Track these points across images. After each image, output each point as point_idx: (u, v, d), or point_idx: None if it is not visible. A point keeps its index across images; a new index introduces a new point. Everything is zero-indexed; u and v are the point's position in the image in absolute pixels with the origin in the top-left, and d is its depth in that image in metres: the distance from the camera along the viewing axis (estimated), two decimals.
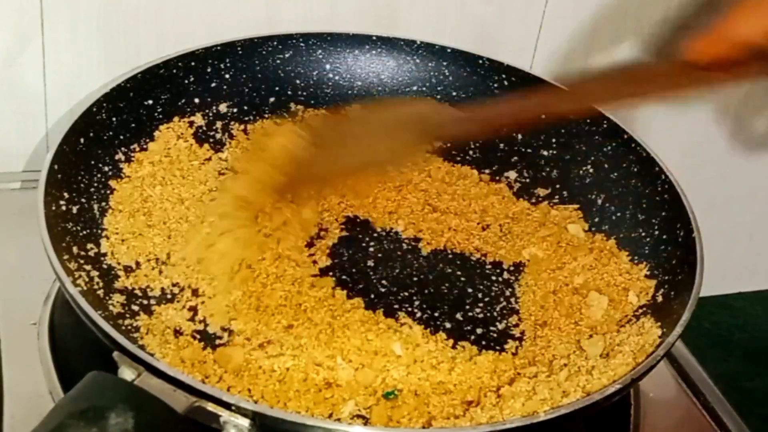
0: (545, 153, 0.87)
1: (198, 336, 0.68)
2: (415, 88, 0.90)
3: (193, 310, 0.70)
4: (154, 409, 0.55)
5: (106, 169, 0.77)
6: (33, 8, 0.82)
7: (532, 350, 0.71)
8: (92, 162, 0.76)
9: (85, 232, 0.72)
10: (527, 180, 0.85)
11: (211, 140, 0.84)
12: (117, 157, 0.78)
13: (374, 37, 0.90)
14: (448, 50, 0.90)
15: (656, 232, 0.77)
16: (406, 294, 0.75)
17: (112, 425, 0.53)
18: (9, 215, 0.83)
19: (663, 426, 0.75)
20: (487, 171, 0.86)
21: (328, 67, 0.90)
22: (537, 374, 0.68)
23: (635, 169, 0.81)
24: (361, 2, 0.91)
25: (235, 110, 0.86)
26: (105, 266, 0.71)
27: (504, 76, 0.89)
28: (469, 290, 0.76)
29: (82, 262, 0.69)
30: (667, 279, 0.73)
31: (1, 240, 0.81)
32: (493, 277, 0.77)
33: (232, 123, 0.86)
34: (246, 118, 0.86)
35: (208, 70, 0.85)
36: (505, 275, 0.77)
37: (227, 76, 0.86)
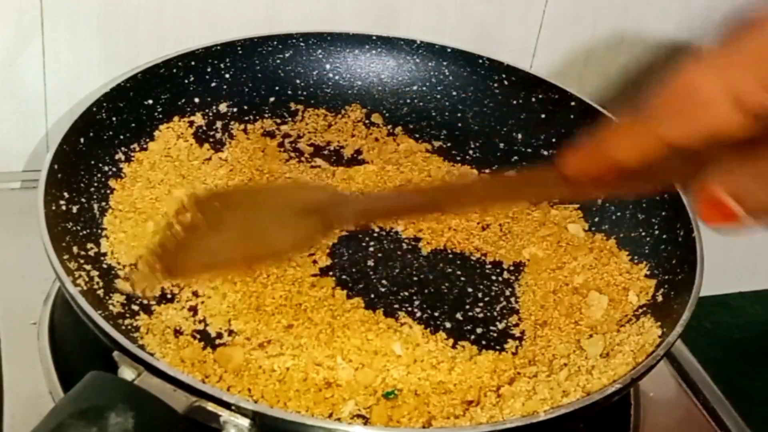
0: (545, 152, 0.87)
1: (198, 336, 0.68)
2: (415, 87, 0.90)
3: (193, 310, 0.70)
4: (154, 408, 0.55)
5: (106, 168, 0.77)
6: (33, 8, 0.82)
7: (532, 350, 0.71)
8: (92, 162, 0.76)
9: (85, 232, 0.72)
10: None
11: (211, 140, 0.84)
12: (117, 157, 0.78)
13: (374, 37, 0.90)
14: (448, 50, 0.90)
15: (656, 232, 0.77)
16: (406, 294, 0.75)
17: (112, 425, 0.53)
18: (9, 215, 0.83)
19: (663, 426, 0.75)
20: (487, 171, 0.86)
21: (328, 66, 0.90)
22: (537, 374, 0.68)
23: None
24: (361, 2, 0.91)
25: (235, 110, 0.86)
26: (105, 266, 0.71)
27: (504, 75, 0.89)
28: (469, 290, 0.76)
29: (82, 261, 0.69)
30: (667, 279, 0.73)
31: (1, 240, 0.81)
32: (493, 277, 0.77)
33: (232, 123, 0.86)
34: (246, 118, 0.86)
35: (208, 69, 0.85)
36: (505, 275, 0.77)
37: (227, 75, 0.86)
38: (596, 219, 0.81)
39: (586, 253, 0.78)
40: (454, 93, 0.90)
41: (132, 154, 0.80)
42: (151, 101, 0.82)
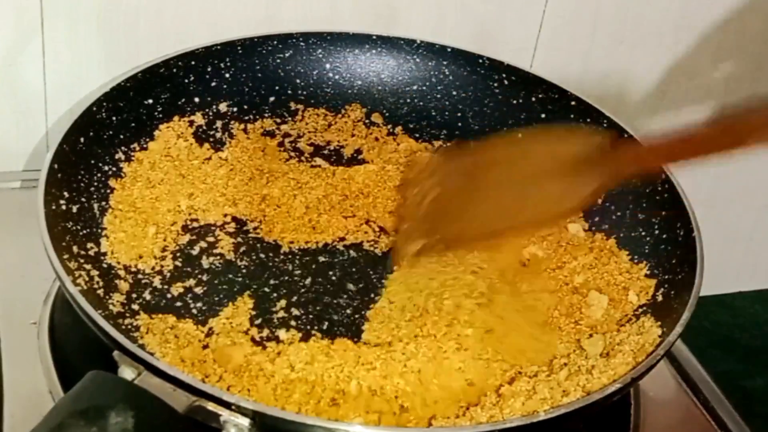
0: None
1: (198, 335, 0.68)
2: (415, 87, 0.90)
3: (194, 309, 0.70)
4: (154, 408, 0.55)
5: (106, 168, 0.77)
6: (33, 7, 0.82)
7: None
8: (92, 161, 0.76)
9: (85, 232, 0.72)
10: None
11: (211, 139, 0.84)
12: (117, 157, 0.78)
13: (374, 37, 0.90)
14: (448, 49, 0.90)
15: (656, 232, 0.77)
16: None
17: (112, 424, 0.53)
18: (9, 214, 0.83)
19: (663, 425, 0.75)
20: None
21: (328, 66, 0.90)
22: (537, 373, 0.68)
23: None
24: (361, 2, 0.91)
25: (235, 109, 0.86)
26: (105, 265, 0.71)
27: (504, 75, 0.89)
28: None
29: (82, 261, 0.69)
30: (667, 278, 0.73)
31: (1, 239, 0.81)
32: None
33: (232, 122, 0.86)
34: (246, 118, 0.86)
35: (208, 69, 0.85)
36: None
37: (227, 75, 0.86)
38: (596, 219, 0.81)
39: (586, 253, 0.78)
40: (454, 93, 0.90)
41: (132, 153, 0.80)
42: (151, 101, 0.82)
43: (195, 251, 0.75)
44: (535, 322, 0.72)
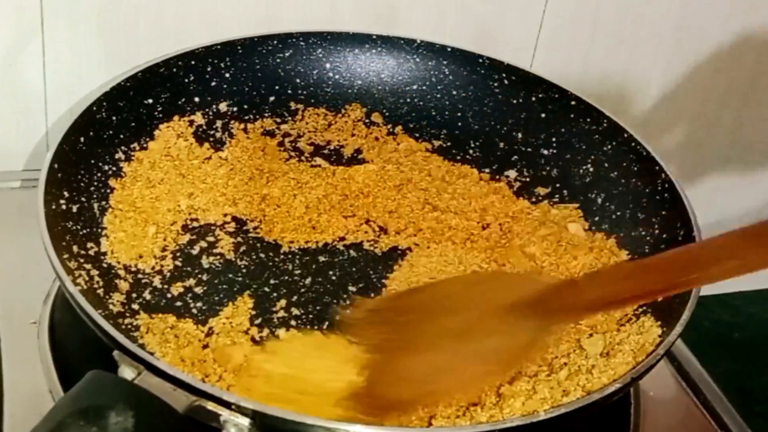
0: (545, 152, 0.87)
1: (198, 335, 0.68)
2: (415, 87, 0.90)
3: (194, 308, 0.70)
4: (154, 408, 0.55)
5: (106, 168, 0.77)
6: (33, 7, 0.82)
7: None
8: (92, 161, 0.76)
9: (85, 231, 0.72)
10: (527, 179, 0.85)
11: (211, 139, 0.84)
12: (117, 156, 0.78)
13: (374, 36, 0.90)
14: (448, 49, 0.90)
15: (656, 231, 0.77)
16: None
17: (112, 424, 0.53)
18: (9, 214, 0.83)
19: (663, 425, 0.75)
20: (487, 170, 0.86)
21: (328, 66, 0.90)
22: (537, 373, 0.67)
23: (635, 168, 0.81)
24: (361, 1, 0.91)
25: (235, 109, 0.86)
26: (105, 265, 0.71)
27: (504, 75, 0.89)
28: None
29: (82, 261, 0.69)
30: None
31: (1, 239, 0.81)
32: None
33: (232, 122, 0.86)
34: (246, 117, 0.86)
35: (208, 69, 0.85)
36: None
37: (227, 75, 0.86)
38: (596, 218, 0.81)
39: (586, 253, 0.78)
40: (454, 92, 0.90)
41: (132, 153, 0.80)
42: (151, 100, 0.82)
43: (195, 251, 0.75)
44: None
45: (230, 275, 0.74)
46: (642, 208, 0.79)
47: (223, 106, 0.86)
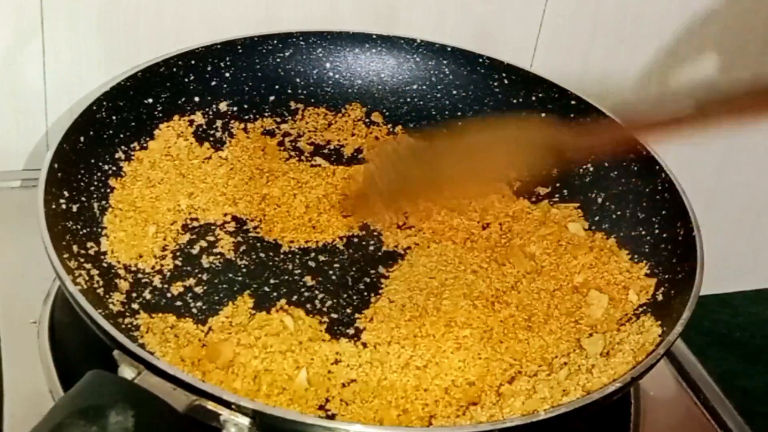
0: None
1: (198, 334, 0.68)
2: (415, 86, 0.90)
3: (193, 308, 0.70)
4: (154, 407, 0.55)
5: (106, 167, 0.77)
6: (33, 7, 0.82)
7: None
8: (92, 160, 0.76)
9: (85, 231, 0.72)
10: (527, 178, 0.85)
11: (211, 139, 0.84)
12: (117, 156, 0.78)
13: (374, 36, 0.90)
14: (448, 49, 0.90)
15: (656, 231, 0.77)
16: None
17: (112, 424, 0.53)
18: (9, 214, 0.83)
19: (663, 424, 0.75)
20: None
21: (328, 65, 0.90)
22: (537, 373, 0.68)
23: (635, 168, 0.81)
24: (360, 1, 0.91)
25: (235, 109, 0.86)
26: (105, 265, 0.71)
27: (504, 74, 0.89)
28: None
29: (82, 260, 0.69)
30: (667, 277, 0.73)
31: (1, 239, 0.81)
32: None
33: (233, 121, 0.86)
34: (246, 117, 0.86)
35: (208, 68, 0.85)
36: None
37: (227, 74, 0.86)
38: (596, 218, 0.81)
39: (586, 252, 0.78)
40: (454, 92, 0.90)
41: (132, 152, 0.80)
42: (151, 100, 0.82)
43: (195, 250, 0.75)
44: (535, 322, 0.72)
45: (230, 275, 0.74)
46: (642, 208, 0.79)
47: (223, 106, 0.86)
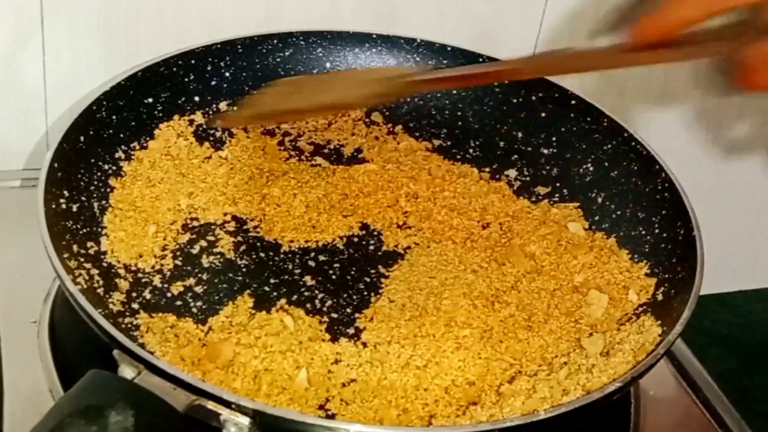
0: (545, 151, 0.87)
1: (198, 334, 0.68)
2: None
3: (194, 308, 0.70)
4: (154, 407, 0.55)
5: (106, 167, 0.77)
6: (33, 6, 0.82)
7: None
8: (92, 160, 0.76)
9: (85, 231, 0.72)
10: (527, 178, 0.85)
11: (211, 138, 0.84)
12: (117, 156, 0.78)
13: (374, 35, 0.90)
14: (448, 48, 0.90)
15: (656, 231, 0.77)
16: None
17: (112, 424, 0.53)
18: (9, 213, 0.84)
19: (663, 424, 0.75)
20: (487, 169, 0.86)
21: (328, 65, 0.90)
22: (537, 372, 0.68)
23: (635, 168, 0.81)
24: (360, 1, 0.91)
25: (235, 108, 0.86)
26: (105, 264, 0.71)
27: None
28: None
29: (82, 260, 0.69)
30: (667, 277, 0.73)
31: (1, 238, 0.81)
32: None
33: None
34: None
35: (209, 68, 0.85)
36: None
37: (227, 74, 0.86)
38: (596, 218, 0.81)
39: (586, 252, 0.78)
40: (454, 92, 0.90)
41: (132, 152, 0.80)
42: (151, 100, 0.82)
43: (195, 250, 0.75)
44: (535, 322, 0.72)
45: (230, 274, 0.74)
46: (642, 208, 0.79)
47: (223, 106, 0.86)
